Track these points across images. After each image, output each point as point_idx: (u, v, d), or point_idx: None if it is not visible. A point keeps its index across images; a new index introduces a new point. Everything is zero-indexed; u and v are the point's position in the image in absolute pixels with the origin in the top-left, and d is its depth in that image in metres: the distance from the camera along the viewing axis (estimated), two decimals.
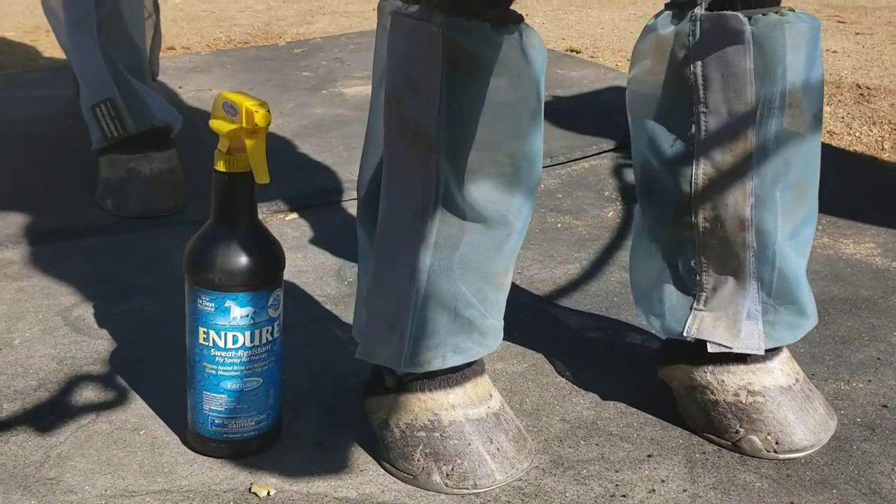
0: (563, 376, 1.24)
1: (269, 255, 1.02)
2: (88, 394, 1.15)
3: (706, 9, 1.02)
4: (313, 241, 1.60)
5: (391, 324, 1.02)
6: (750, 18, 1.00)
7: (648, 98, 1.08)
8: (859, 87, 2.38)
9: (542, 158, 1.03)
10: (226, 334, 0.99)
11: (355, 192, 1.76)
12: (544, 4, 3.40)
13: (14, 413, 1.11)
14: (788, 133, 1.03)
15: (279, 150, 1.94)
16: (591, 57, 2.63)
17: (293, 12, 3.31)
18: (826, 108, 2.16)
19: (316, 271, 1.50)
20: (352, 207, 1.75)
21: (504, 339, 1.31)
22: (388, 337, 1.02)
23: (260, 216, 1.05)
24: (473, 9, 0.92)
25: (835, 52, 2.72)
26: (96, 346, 1.25)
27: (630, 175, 1.90)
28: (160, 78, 2.12)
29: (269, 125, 0.96)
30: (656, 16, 1.07)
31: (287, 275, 1.45)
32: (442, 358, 1.03)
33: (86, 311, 1.34)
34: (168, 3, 3.19)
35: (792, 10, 1.02)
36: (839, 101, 2.30)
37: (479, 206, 0.98)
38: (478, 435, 1.04)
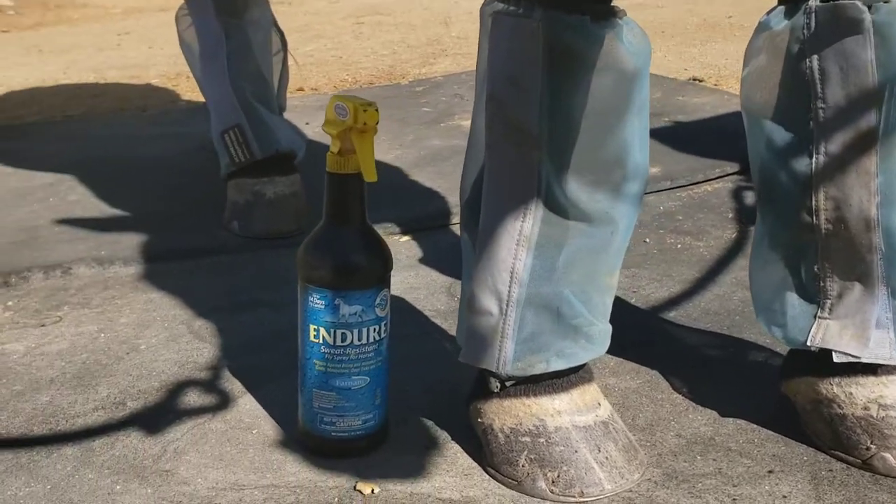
0: (679, 392, 1.19)
1: (377, 255, 1.03)
2: (206, 396, 1.19)
3: (821, 0, 0.98)
4: (424, 261, 1.61)
5: (493, 327, 1.01)
6: (870, 7, 0.96)
7: (764, 96, 1.04)
8: None
9: (648, 156, 1.00)
10: (335, 331, 1.01)
11: None
12: (668, 39, 3.36)
13: (136, 410, 1.16)
14: None
15: (397, 177, 1.98)
16: (715, 84, 2.57)
17: (416, 55, 3.40)
18: None
19: (427, 288, 1.51)
20: None
21: (617, 355, 1.27)
22: (491, 340, 1.01)
23: None
24: (574, 3, 0.92)
25: None
26: (216, 352, 1.30)
27: (754, 198, 1.83)
28: (287, 115, 2.21)
29: (377, 124, 0.98)
30: (769, 12, 1.04)
31: (399, 291, 1.48)
32: (546, 362, 1.01)
33: (208, 322, 1.39)
34: (300, 51, 3.34)
35: None
36: None
37: (582, 203, 0.97)
38: (585, 443, 1.00)
